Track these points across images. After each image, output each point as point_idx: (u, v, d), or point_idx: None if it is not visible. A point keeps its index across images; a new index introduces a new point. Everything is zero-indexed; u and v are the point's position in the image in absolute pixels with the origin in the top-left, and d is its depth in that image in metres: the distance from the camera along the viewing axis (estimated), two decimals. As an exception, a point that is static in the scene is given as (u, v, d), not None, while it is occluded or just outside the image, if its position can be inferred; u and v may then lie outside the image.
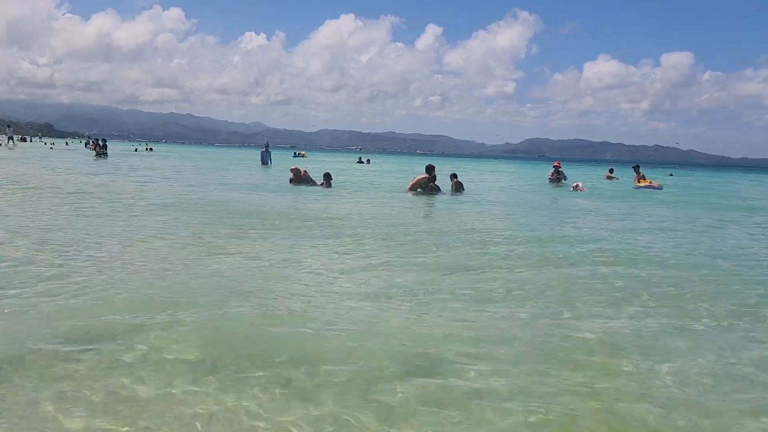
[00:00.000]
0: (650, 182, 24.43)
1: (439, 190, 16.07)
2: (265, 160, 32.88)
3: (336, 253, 6.91)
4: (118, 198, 12.35)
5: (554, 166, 24.96)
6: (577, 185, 21.56)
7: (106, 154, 35.05)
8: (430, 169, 16.14)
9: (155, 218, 9.31)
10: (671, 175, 42.52)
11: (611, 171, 30.70)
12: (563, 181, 24.31)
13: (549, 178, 24.91)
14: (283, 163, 35.11)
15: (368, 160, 56.33)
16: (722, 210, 15.16)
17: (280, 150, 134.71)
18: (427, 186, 15.92)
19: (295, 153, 67.63)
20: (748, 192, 25.89)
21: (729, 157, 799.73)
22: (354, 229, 9.02)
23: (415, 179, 16.40)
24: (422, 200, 14.71)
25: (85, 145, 61.16)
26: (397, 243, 7.69)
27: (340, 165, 42.55)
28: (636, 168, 25.38)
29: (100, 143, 37.58)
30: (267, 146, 34.38)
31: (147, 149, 66.63)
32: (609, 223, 11.06)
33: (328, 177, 17.88)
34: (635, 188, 23.86)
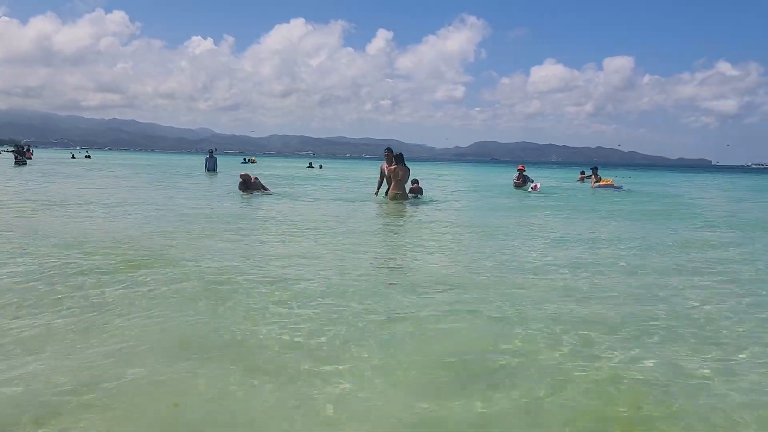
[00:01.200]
0: (610, 181, 24.55)
1: (420, 190, 16.44)
2: (211, 166, 32.20)
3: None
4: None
5: (519, 170, 23.67)
6: (536, 186, 21.48)
7: (25, 162, 34.09)
8: (398, 158, 14.91)
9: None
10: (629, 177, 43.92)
11: (583, 173, 29.27)
12: (529, 184, 22.88)
13: (514, 182, 23.51)
14: (230, 170, 34.39)
15: (320, 166, 55.09)
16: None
17: (228, 156, 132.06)
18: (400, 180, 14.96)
19: (244, 159, 66.52)
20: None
21: (667, 158, 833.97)
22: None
23: (386, 171, 15.13)
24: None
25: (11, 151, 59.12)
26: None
27: (291, 170, 41.76)
28: (594, 170, 25.92)
29: (24, 149, 36.35)
30: (212, 152, 33.54)
31: (85, 156, 64.52)
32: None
33: (246, 184, 16.83)
34: (593, 187, 24.25)
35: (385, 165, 15.22)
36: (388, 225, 11.50)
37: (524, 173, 23.45)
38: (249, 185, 16.96)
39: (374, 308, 4.69)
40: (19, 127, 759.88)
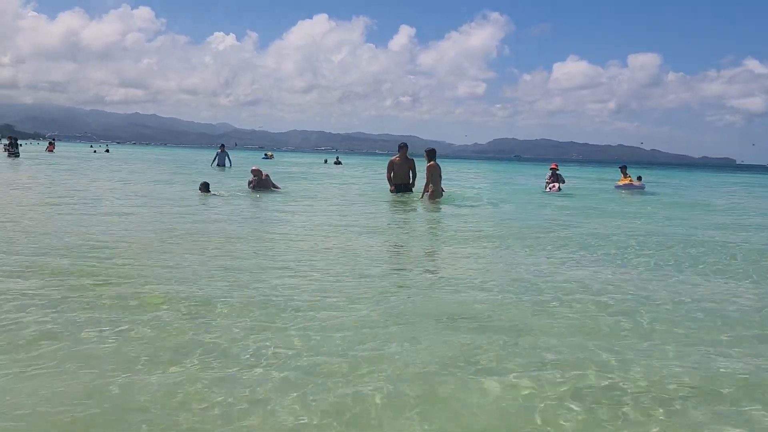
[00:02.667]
0: (631, 180, 23.40)
1: (416, 169, 15.42)
2: (221, 162, 31.50)
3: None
4: None
5: (551, 169, 21.05)
6: (554, 186, 20.06)
7: (18, 154, 34.19)
8: (403, 146, 15.28)
9: None
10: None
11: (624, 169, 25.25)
12: (561, 185, 20.66)
13: (546, 182, 21.01)
14: (248, 166, 34.21)
15: (337, 159, 53.11)
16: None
17: (248, 151, 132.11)
18: (402, 167, 15.17)
19: (265, 155, 66.84)
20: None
21: (690, 156, 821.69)
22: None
23: (391, 161, 15.47)
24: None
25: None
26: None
27: (307, 167, 41.29)
28: (623, 168, 24.60)
29: (14, 142, 36.16)
30: (223, 147, 32.97)
31: (105, 150, 65.40)
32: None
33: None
34: (615, 187, 23.45)
35: (396, 158, 15.34)
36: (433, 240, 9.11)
37: (557, 172, 21.00)
38: (260, 182, 16.12)
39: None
40: (44, 121, 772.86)
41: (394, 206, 13.46)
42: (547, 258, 7.15)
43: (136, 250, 6.54)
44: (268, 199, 14.41)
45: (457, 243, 8.20)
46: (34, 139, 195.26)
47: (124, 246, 6.78)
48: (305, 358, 3.45)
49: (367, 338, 3.85)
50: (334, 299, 4.78)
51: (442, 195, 14.64)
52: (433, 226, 10.88)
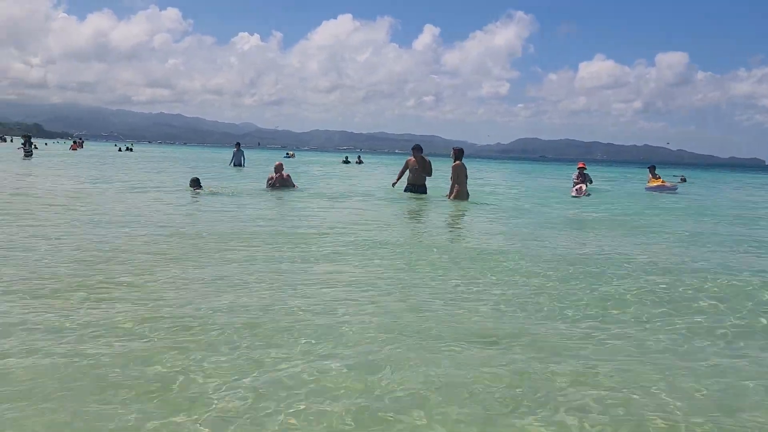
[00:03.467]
0: (663, 182, 22.47)
1: (431, 167, 15.23)
2: (239, 161, 31.22)
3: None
4: None
5: (579, 168, 20.10)
6: (581, 188, 18.72)
7: (31, 153, 34.49)
8: (416, 148, 15.39)
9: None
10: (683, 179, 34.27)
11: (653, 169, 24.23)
12: (589, 186, 19.62)
13: (574, 180, 19.98)
14: (263, 165, 34.03)
15: (359, 158, 51.58)
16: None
17: (270, 151, 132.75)
18: (416, 170, 15.14)
19: (287, 154, 66.98)
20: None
21: (718, 157, 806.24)
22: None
23: (407, 162, 15.44)
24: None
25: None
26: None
27: (326, 167, 41.02)
28: (651, 168, 23.77)
29: (28, 141, 36.55)
30: (239, 145, 32.76)
31: (127, 149, 66.50)
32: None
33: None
34: (647, 189, 22.58)
35: (412, 159, 15.33)
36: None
37: (585, 171, 20.11)
38: (281, 179, 15.78)
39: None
40: (71, 120, 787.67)
41: (418, 207, 13.02)
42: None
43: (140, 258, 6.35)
44: (288, 196, 14.19)
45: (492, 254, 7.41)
46: (61, 138, 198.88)
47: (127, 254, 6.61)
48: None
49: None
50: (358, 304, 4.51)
51: (468, 196, 14.19)
52: (460, 228, 10.50)
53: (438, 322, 4.23)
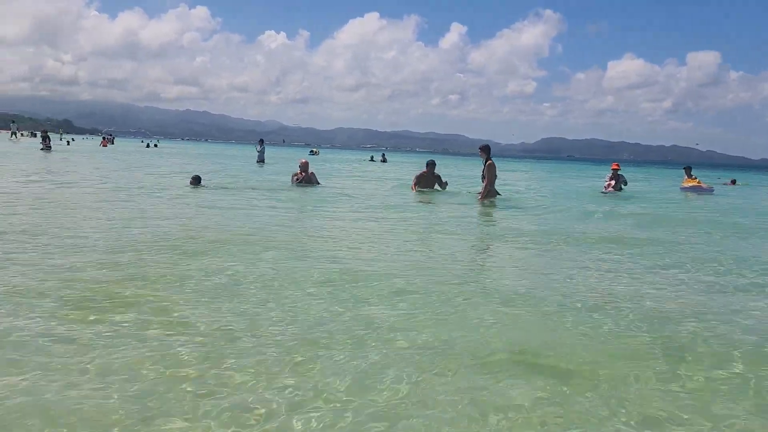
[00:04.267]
0: (699, 182, 21.91)
1: (442, 181, 15.36)
2: (262, 157, 31.48)
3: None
4: None
5: (613, 169, 18.98)
6: (610, 184, 18.60)
7: (50, 147, 35.01)
8: (430, 164, 15.51)
9: None
10: (734, 182, 31.68)
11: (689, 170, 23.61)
12: (623, 188, 19.05)
13: (607, 183, 19.05)
14: (286, 163, 34.03)
15: (383, 156, 50.93)
16: None
17: (295, 148, 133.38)
18: (429, 180, 15.36)
19: (311, 151, 67.19)
20: None
21: (749, 158, 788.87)
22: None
23: (418, 174, 15.61)
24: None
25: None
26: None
27: (351, 165, 40.81)
28: (687, 169, 23.32)
29: (46, 136, 37.34)
30: (262, 142, 33.20)
31: (154, 145, 68.87)
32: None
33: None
34: (681, 189, 22.29)
35: (424, 172, 15.34)
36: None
37: (619, 172, 19.01)
38: (305, 176, 15.89)
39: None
40: (101, 117, 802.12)
41: (451, 207, 12.39)
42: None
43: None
44: (311, 193, 14.14)
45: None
46: (90, 134, 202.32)
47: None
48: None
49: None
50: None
51: (496, 195, 13.91)
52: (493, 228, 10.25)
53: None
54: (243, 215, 9.75)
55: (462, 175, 25.94)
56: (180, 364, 3.17)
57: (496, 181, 14.04)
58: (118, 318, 3.87)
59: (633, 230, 9.94)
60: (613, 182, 18.69)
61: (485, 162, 13.53)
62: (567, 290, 5.23)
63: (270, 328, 3.82)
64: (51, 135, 44.19)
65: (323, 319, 4.05)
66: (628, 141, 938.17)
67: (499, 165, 14.79)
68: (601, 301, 4.89)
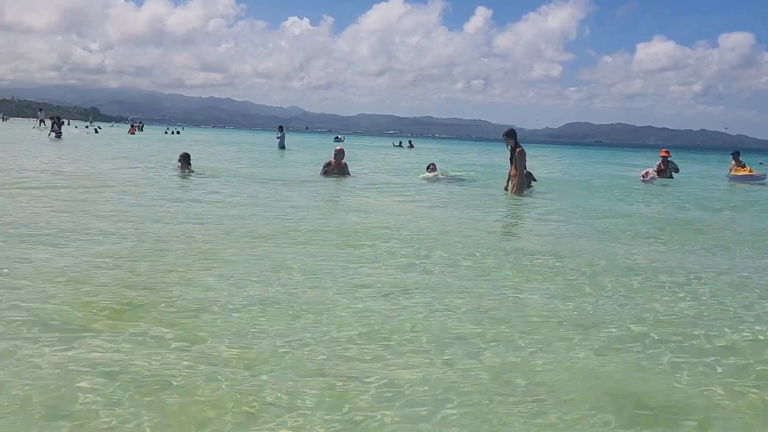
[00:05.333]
0: (750, 170, 20.27)
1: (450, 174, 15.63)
2: (282, 143, 31.20)
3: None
4: None
5: (662, 156, 18.20)
6: (647, 172, 17.80)
7: (60, 134, 33.96)
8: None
9: None
10: (760, 164, 32.50)
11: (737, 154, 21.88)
12: (674, 175, 18.12)
13: (657, 169, 18.02)
14: (316, 150, 33.68)
15: (410, 143, 50.88)
16: None
17: (317, 134, 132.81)
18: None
19: (336, 137, 67.20)
20: None
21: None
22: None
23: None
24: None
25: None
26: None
27: (379, 151, 40.04)
28: (735, 155, 21.48)
29: (57, 122, 36.04)
30: (282, 128, 32.74)
31: (176, 132, 69.09)
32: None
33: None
34: (729, 178, 20.65)
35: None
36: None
37: (669, 159, 18.12)
38: (339, 166, 14.31)
39: None
40: (127, 104, 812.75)
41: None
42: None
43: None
44: (344, 184, 13.52)
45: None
46: (116, 121, 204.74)
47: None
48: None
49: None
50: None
51: (532, 183, 12.95)
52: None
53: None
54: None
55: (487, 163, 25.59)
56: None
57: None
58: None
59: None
60: (650, 170, 18.05)
61: (513, 149, 11.95)
62: None
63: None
64: (80, 123, 43.91)
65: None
66: (654, 126, 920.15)
67: (530, 151, 13.88)
68: None
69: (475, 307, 4.14)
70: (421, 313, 3.96)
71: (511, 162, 12.10)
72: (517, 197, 11.64)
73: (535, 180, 13.94)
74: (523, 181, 12.12)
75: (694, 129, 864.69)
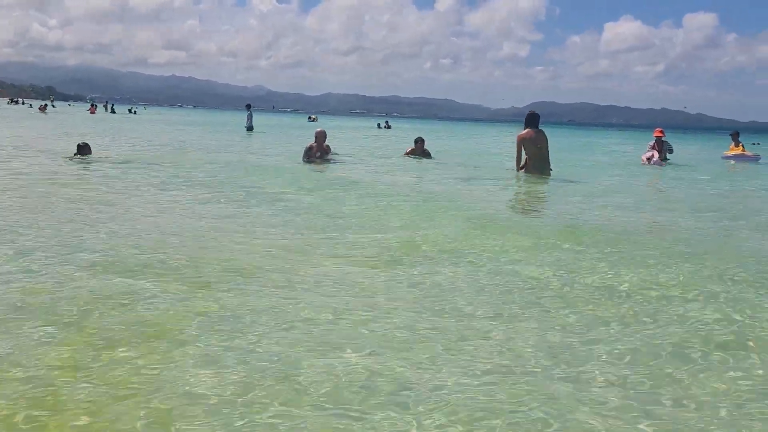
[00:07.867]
0: (741, 149, 20.27)
1: (430, 155, 16.33)
2: (250, 124, 30.22)
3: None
4: None
5: (655, 137, 16.77)
6: (652, 155, 16.61)
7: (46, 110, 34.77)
8: (419, 140, 16.52)
9: None
10: (757, 144, 32.18)
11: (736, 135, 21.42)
12: (668, 157, 17.03)
13: (651, 152, 16.87)
14: (285, 130, 33.13)
15: (387, 123, 54.26)
16: None
17: (283, 114, 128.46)
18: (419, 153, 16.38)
19: (309, 117, 66.73)
20: None
21: (738, 121, 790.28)
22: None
23: (407, 151, 16.61)
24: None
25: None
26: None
27: (358, 132, 39.31)
28: (734, 135, 21.08)
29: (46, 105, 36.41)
30: (249, 106, 31.51)
31: (131, 111, 67.89)
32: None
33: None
34: (723, 158, 20.96)
35: (411, 149, 16.20)
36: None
37: (663, 139, 16.92)
38: (321, 149, 13.50)
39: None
40: (85, 83, 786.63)
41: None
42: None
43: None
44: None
45: None
46: (74, 100, 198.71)
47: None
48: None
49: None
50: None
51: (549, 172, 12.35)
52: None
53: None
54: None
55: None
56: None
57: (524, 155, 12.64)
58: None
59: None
60: (655, 153, 16.69)
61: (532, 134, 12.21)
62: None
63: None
64: (41, 102, 43.92)
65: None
66: (617, 105, 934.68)
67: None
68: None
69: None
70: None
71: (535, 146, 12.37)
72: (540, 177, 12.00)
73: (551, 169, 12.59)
74: (532, 165, 12.34)
75: (656, 108, 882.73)
